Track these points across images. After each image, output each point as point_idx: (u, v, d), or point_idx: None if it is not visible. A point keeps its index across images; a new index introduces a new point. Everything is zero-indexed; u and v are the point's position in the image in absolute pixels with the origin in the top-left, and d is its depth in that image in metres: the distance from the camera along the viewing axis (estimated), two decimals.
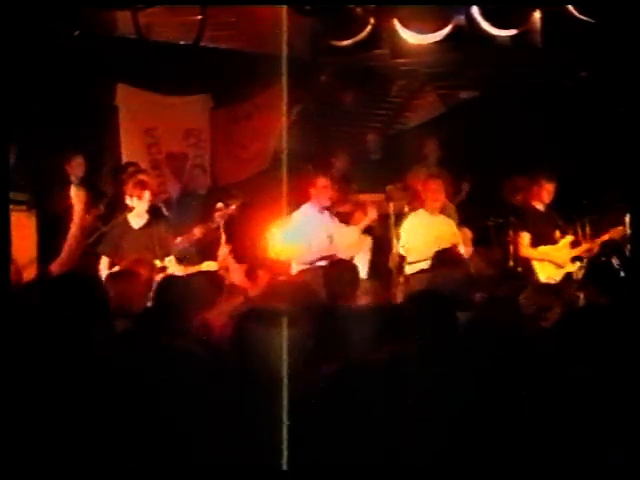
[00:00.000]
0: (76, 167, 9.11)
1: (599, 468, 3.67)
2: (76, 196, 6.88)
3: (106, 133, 9.70)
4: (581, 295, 5.95)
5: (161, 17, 8.66)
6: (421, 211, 8.59)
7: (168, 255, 7.93)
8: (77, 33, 7.81)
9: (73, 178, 9.15)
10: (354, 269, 6.29)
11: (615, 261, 7.76)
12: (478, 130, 9.83)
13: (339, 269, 6.12)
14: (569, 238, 8.76)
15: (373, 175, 9.58)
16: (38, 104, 8.44)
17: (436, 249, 7.15)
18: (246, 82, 9.68)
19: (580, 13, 8.00)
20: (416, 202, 8.72)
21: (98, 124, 9.39)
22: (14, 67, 5.20)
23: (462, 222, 8.97)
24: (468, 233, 8.74)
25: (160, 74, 9.35)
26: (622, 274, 6.71)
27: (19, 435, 3.40)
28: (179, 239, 8.45)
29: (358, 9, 8.37)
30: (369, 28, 8.45)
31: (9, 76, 5.02)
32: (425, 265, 7.64)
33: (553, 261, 8.59)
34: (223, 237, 7.96)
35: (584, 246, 8.72)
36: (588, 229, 8.76)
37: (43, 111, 8.62)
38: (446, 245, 7.85)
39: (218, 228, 8.17)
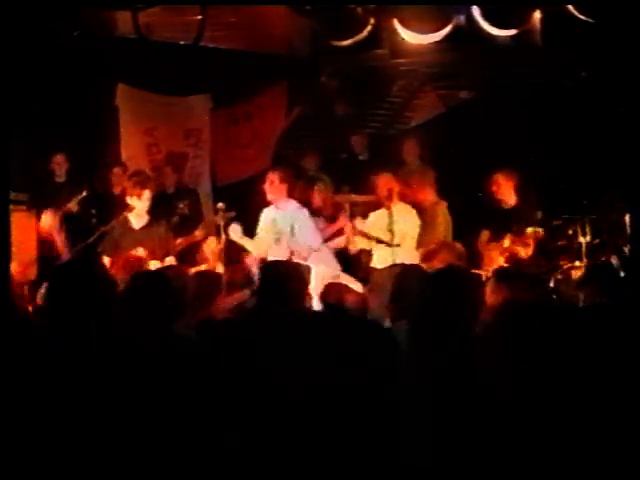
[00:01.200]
0: (58, 165, 9.11)
1: (598, 469, 3.67)
2: (49, 224, 6.68)
3: (106, 133, 9.70)
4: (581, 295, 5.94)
5: (161, 17, 8.66)
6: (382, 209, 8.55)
7: (168, 256, 7.92)
8: (77, 33, 7.81)
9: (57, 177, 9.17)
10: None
11: (615, 261, 7.76)
12: (478, 130, 9.82)
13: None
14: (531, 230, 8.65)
15: (365, 176, 9.54)
16: (38, 104, 8.46)
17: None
18: (246, 82, 9.68)
19: (580, 13, 8.00)
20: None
21: (98, 124, 9.40)
22: (14, 67, 5.21)
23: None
24: (459, 248, 8.63)
25: (160, 74, 9.35)
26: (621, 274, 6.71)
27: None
28: (180, 240, 8.45)
29: (358, 9, 8.37)
30: (369, 28, 8.46)
31: (9, 76, 5.03)
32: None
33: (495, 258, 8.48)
34: (223, 237, 7.96)
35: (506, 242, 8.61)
36: (588, 230, 8.73)
37: (43, 111, 8.64)
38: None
39: (219, 229, 8.17)
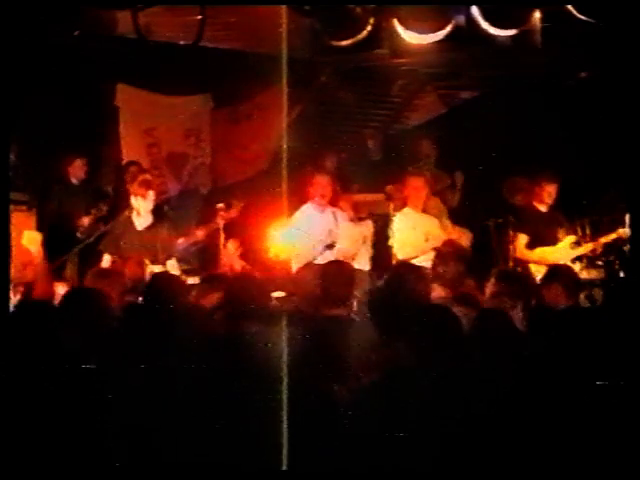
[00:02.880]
0: (76, 168, 9.14)
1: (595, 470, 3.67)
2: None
3: (106, 133, 9.70)
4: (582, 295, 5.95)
5: (161, 17, 8.65)
6: (407, 209, 8.57)
7: (170, 258, 7.93)
8: (77, 33, 7.81)
9: (73, 179, 9.19)
10: (351, 270, 6.23)
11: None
12: (478, 130, 9.82)
13: (336, 269, 6.07)
14: (570, 239, 8.71)
15: (373, 175, 9.57)
16: (38, 104, 8.45)
17: (426, 245, 7.18)
18: (246, 82, 9.67)
19: (580, 13, 7.99)
20: (399, 201, 8.67)
21: (98, 124, 9.39)
22: (14, 67, 5.21)
23: (459, 221, 8.95)
24: (467, 234, 8.71)
25: (160, 74, 9.35)
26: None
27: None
28: (181, 240, 8.45)
29: (358, 9, 8.36)
30: (369, 28, 8.44)
31: (9, 76, 5.03)
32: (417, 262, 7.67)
33: (551, 262, 8.47)
34: (222, 237, 7.97)
35: (585, 246, 8.66)
36: (588, 229, 8.74)
37: (43, 111, 8.63)
38: (437, 242, 7.91)
39: (218, 229, 8.18)
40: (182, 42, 8.87)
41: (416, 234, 8.33)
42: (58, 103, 8.75)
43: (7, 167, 5.09)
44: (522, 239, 8.69)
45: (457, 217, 9.15)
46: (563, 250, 8.62)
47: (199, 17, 8.30)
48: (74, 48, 8.16)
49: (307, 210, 8.29)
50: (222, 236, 8.02)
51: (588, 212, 8.87)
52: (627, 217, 8.29)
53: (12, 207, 6.01)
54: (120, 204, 8.66)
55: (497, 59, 9.31)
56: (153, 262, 7.62)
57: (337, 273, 5.36)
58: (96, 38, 8.36)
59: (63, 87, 8.75)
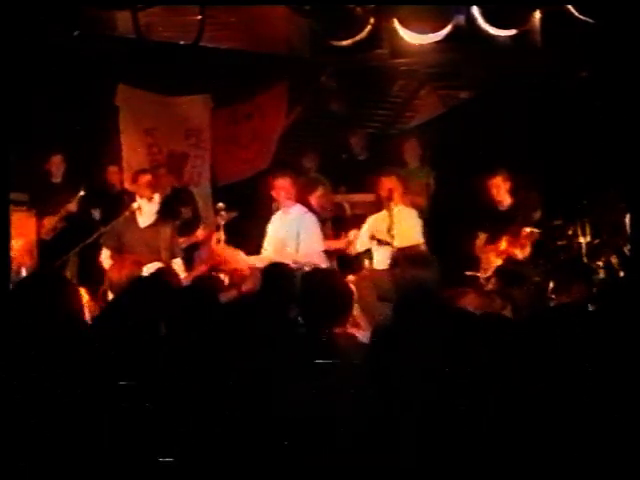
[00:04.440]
0: (55, 166, 9.12)
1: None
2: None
3: (106, 133, 9.70)
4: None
5: (161, 17, 8.66)
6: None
7: (174, 257, 7.94)
8: (77, 33, 7.81)
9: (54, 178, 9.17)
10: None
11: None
12: (478, 130, 9.81)
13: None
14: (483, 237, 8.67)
15: (363, 176, 9.54)
16: (38, 104, 8.46)
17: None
18: (246, 82, 9.68)
19: (580, 13, 7.99)
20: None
21: (98, 124, 9.40)
22: (14, 67, 5.21)
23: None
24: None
25: (160, 74, 9.35)
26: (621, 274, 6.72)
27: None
28: (182, 239, 8.46)
29: (358, 9, 8.36)
30: (369, 28, 8.45)
31: (9, 76, 5.03)
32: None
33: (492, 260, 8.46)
34: (223, 237, 7.97)
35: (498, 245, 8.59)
36: (588, 230, 8.73)
37: (43, 111, 8.64)
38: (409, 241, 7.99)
39: (219, 229, 8.17)
40: (182, 42, 8.88)
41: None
42: (58, 103, 8.75)
43: (7, 167, 5.09)
44: (481, 237, 8.69)
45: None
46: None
47: (199, 17, 8.31)
48: (74, 48, 8.16)
49: (275, 217, 8.29)
50: (223, 236, 8.01)
51: (588, 212, 8.87)
52: (627, 218, 8.30)
53: (12, 207, 6.01)
54: (118, 205, 8.67)
55: (497, 59, 9.31)
56: (157, 259, 7.63)
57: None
58: (96, 38, 8.36)
59: (63, 87, 8.75)
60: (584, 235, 8.68)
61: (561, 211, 8.96)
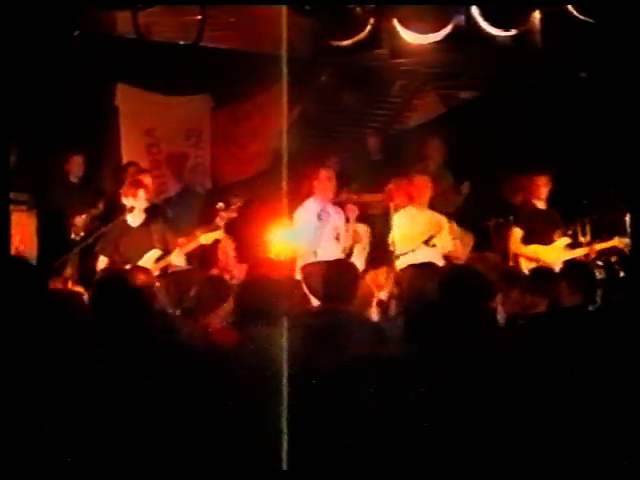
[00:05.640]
0: (76, 167, 9.15)
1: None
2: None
3: (106, 133, 9.70)
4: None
5: (161, 17, 8.66)
6: (409, 207, 8.55)
7: (169, 253, 7.91)
8: (77, 33, 7.81)
9: (73, 178, 9.20)
10: (354, 269, 6.21)
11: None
12: (478, 130, 9.82)
13: (338, 268, 6.06)
14: (565, 240, 8.70)
15: (373, 175, 9.56)
16: (38, 104, 8.45)
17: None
18: (246, 82, 9.67)
19: (580, 13, 8.00)
20: (402, 200, 8.63)
21: (98, 124, 9.39)
22: (14, 67, 5.21)
23: (462, 224, 8.94)
24: (469, 239, 8.70)
25: (160, 74, 9.35)
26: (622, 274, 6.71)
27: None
28: (181, 240, 8.44)
29: (358, 9, 8.37)
30: (369, 28, 8.45)
31: (9, 76, 5.03)
32: (412, 259, 7.68)
33: (542, 261, 8.43)
34: (223, 237, 7.96)
35: (579, 250, 8.63)
36: (588, 230, 8.73)
37: (43, 111, 8.63)
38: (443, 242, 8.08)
39: (219, 229, 8.16)
40: (182, 42, 8.88)
41: (414, 229, 8.32)
42: (58, 103, 8.75)
43: (7, 167, 5.09)
44: (517, 233, 8.72)
45: (459, 218, 9.12)
46: (557, 250, 8.60)
47: (199, 17, 8.30)
48: (74, 48, 8.16)
49: (310, 205, 8.22)
50: (223, 236, 8.00)
51: (588, 212, 8.87)
52: (627, 218, 8.30)
53: (12, 207, 6.01)
54: (117, 205, 8.65)
55: (497, 59, 9.31)
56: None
57: (342, 271, 5.36)
58: (96, 38, 8.36)
59: (63, 87, 8.75)
60: (584, 235, 8.69)
61: (561, 211, 8.97)
